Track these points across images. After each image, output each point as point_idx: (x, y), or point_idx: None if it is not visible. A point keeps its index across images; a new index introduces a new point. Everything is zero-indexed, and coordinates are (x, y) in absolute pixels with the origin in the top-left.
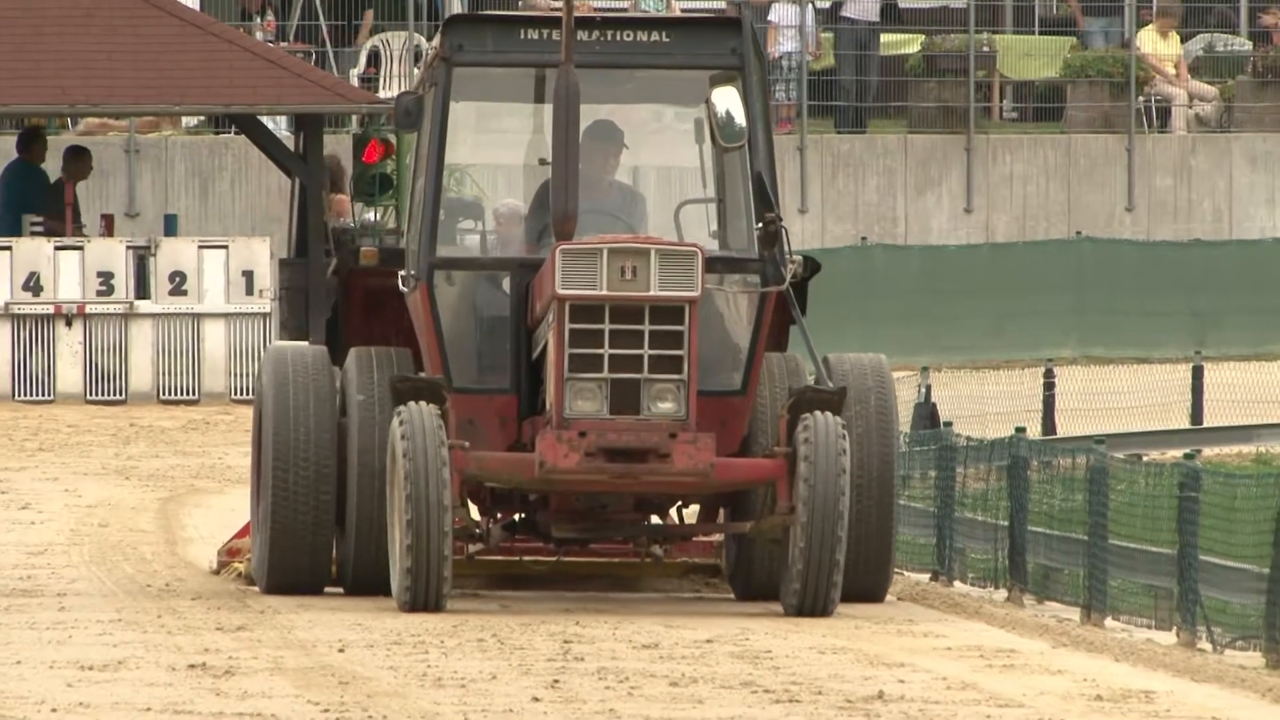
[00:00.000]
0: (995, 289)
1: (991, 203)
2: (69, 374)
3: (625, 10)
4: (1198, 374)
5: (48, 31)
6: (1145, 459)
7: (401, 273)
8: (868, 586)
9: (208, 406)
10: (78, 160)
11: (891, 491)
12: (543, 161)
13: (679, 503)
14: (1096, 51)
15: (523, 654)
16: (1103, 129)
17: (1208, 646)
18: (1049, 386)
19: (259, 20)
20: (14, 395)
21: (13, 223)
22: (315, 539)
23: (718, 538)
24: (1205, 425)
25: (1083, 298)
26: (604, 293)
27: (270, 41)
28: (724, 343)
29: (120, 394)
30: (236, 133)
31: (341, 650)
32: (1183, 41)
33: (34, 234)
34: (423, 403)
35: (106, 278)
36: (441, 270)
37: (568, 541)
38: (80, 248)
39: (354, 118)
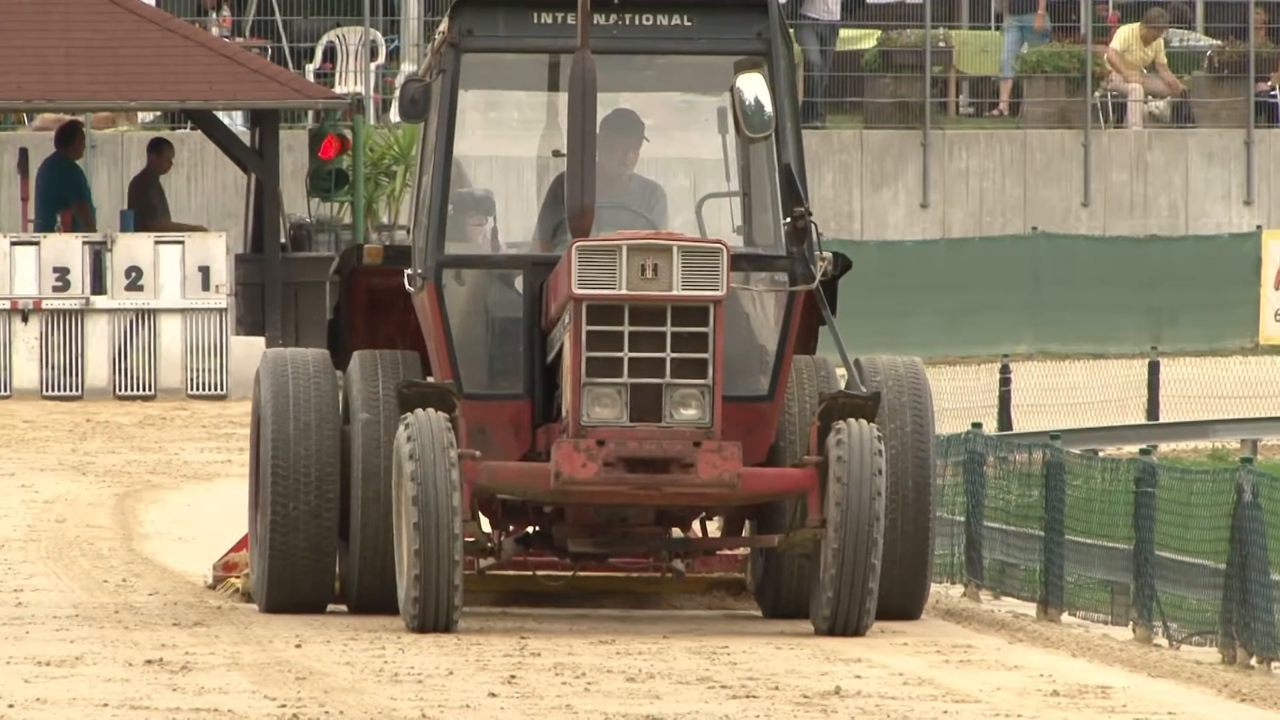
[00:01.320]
0: (951, 284)
1: (948, 198)
2: (25, 369)
3: None
4: (1154, 369)
5: (5, 28)
6: (1101, 454)
7: (408, 271)
8: (902, 603)
9: (164, 402)
10: (160, 153)
11: (928, 504)
12: (557, 154)
13: (702, 515)
14: (1053, 47)
15: (479, 649)
16: (1059, 124)
17: (1164, 642)
18: (1005, 382)
19: (215, 16)
20: None
21: (49, 216)
22: (317, 554)
23: (743, 551)
24: (1161, 421)
25: (1039, 293)
26: (623, 292)
27: (226, 37)
28: (750, 345)
29: (76, 389)
30: (192, 128)
31: (298, 646)
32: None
33: None
34: (431, 410)
35: (63, 273)
36: (450, 269)
37: (585, 556)
38: (36, 243)
39: (310, 113)
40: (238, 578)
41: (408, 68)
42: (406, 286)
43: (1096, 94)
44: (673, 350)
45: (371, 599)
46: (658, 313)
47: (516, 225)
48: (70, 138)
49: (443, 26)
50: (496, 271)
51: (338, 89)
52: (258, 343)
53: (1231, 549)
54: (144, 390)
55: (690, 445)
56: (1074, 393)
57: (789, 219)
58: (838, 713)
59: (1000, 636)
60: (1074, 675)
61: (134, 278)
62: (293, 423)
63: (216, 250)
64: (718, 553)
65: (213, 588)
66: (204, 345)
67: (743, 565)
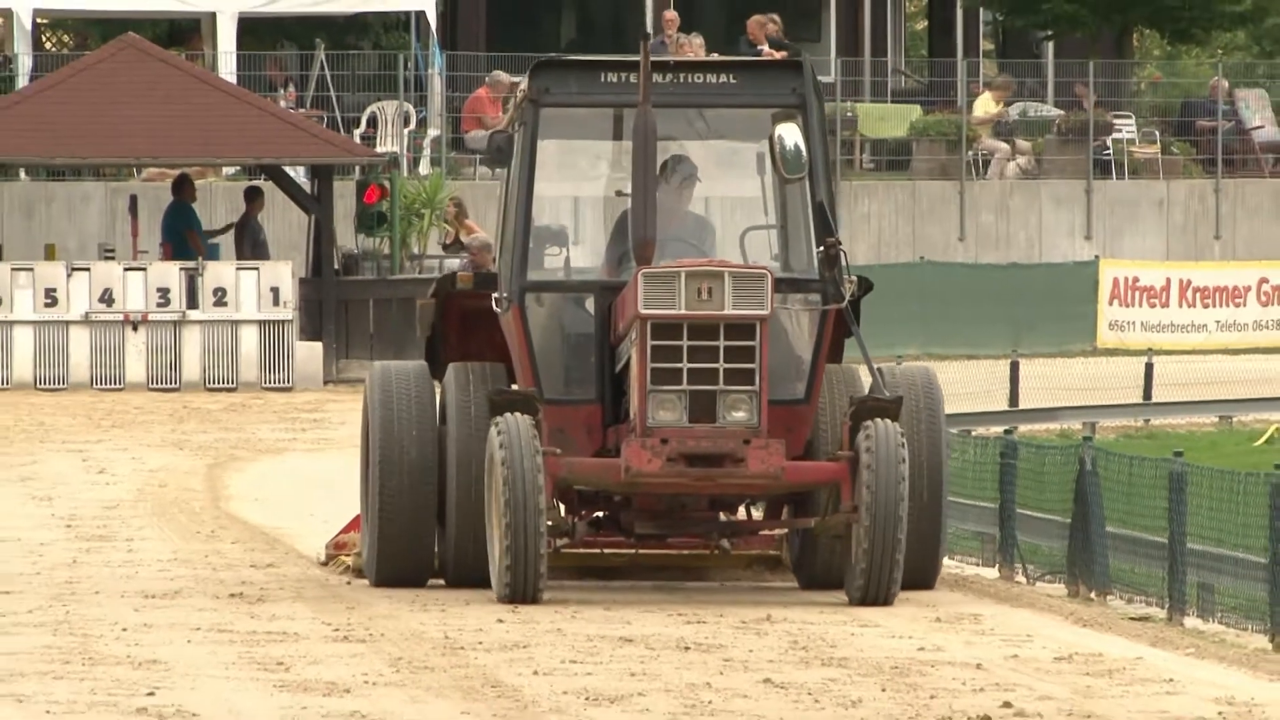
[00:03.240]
0: None
1: (853, 234)
2: (135, 367)
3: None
4: (1014, 368)
5: (120, 100)
6: (973, 434)
7: (495, 295)
8: (919, 575)
9: (244, 393)
10: (254, 199)
11: (941, 490)
12: (620, 193)
13: (748, 501)
14: (935, 116)
15: (491, 589)
16: (940, 177)
17: (1023, 580)
18: None
19: (283, 91)
20: (92, 384)
21: (177, 245)
22: (419, 536)
23: (779, 531)
24: (1020, 408)
25: (925, 308)
26: (682, 312)
27: (291, 108)
28: (789, 356)
29: (175, 383)
30: (265, 179)
31: (349, 583)
32: (1006, 107)
33: (106, 258)
34: (518, 413)
35: (164, 292)
36: (532, 292)
37: (648, 537)
38: (144, 269)
39: (357, 168)
40: (348, 556)
41: (433, 133)
42: (494, 308)
43: (969, 153)
44: (725, 361)
45: (465, 574)
46: (712, 329)
47: (587, 255)
48: (180, 187)
49: (523, 85)
50: (571, 294)
51: (379, 149)
52: (316, 346)
53: (1075, 507)
54: (228, 384)
55: (741, 443)
56: (952, 385)
57: (821, 247)
58: (769, 635)
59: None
60: (953, 606)
61: (220, 296)
62: (397, 425)
63: (284, 275)
64: (758, 533)
65: (325, 564)
66: (275, 348)
67: (778, 544)
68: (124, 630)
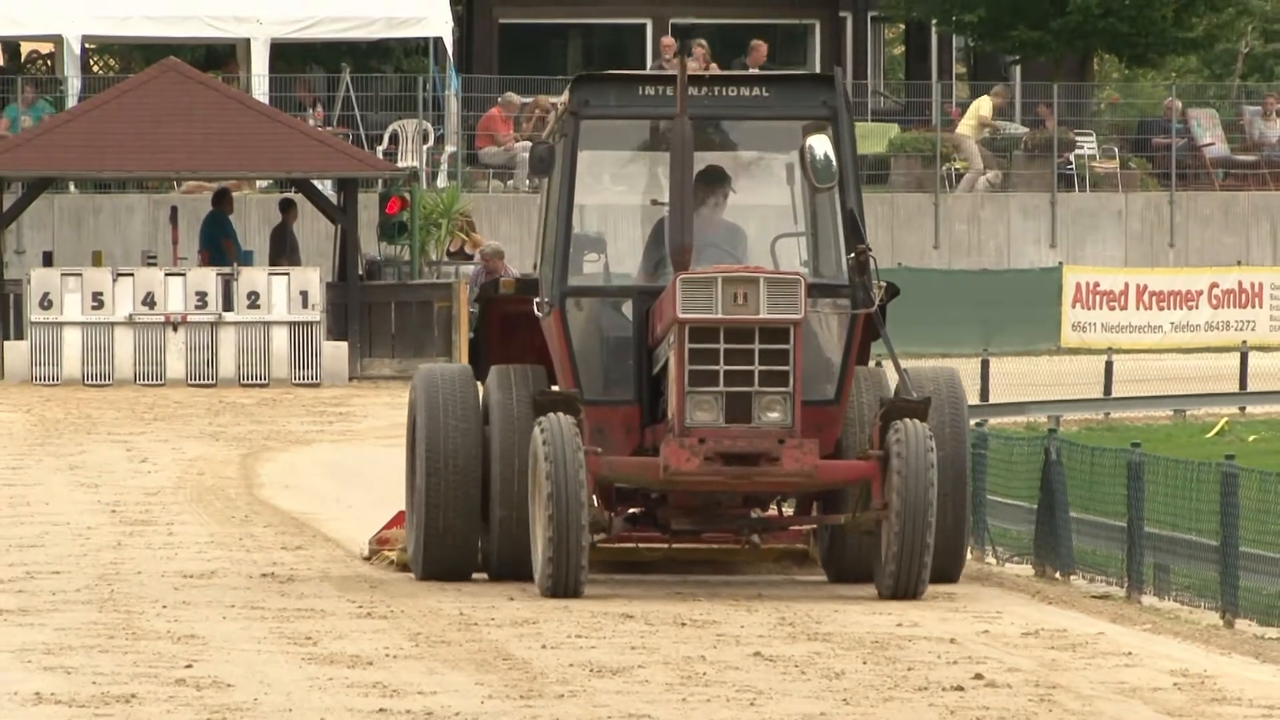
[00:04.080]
0: None
1: None
2: (175, 365)
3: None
4: (985, 365)
5: (162, 119)
6: None
7: (536, 300)
8: (945, 568)
9: (275, 388)
10: (289, 210)
11: (964, 487)
12: (656, 202)
13: (779, 498)
14: (912, 134)
15: (533, 582)
16: (916, 189)
17: (993, 561)
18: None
19: (311, 111)
20: (135, 381)
21: (214, 253)
22: (463, 532)
23: (807, 526)
24: (991, 402)
25: (902, 311)
26: (719, 316)
27: (319, 126)
28: (820, 358)
29: (212, 379)
30: (296, 192)
31: (371, 564)
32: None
33: (149, 264)
34: (561, 414)
35: (202, 296)
36: (572, 297)
37: (683, 533)
38: (183, 274)
39: (379, 181)
40: (391, 551)
41: (450, 149)
42: (535, 312)
43: (944, 167)
44: (760, 364)
45: (508, 569)
46: (748, 332)
47: (624, 261)
48: (221, 199)
49: (564, 98)
50: (610, 299)
51: (399, 164)
52: (342, 346)
53: (1041, 494)
54: (260, 380)
55: (776, 442)
56: None
57: (851, 254)
58: (759, 612)
59: None
60: (929, 585)
61: (253, 299)
62: (442, 424)
63: (313, 279)
64: (789, 529)
65: (368, 559)
66: (303, 348)
67: (805, 538)
68: (164, 607)
